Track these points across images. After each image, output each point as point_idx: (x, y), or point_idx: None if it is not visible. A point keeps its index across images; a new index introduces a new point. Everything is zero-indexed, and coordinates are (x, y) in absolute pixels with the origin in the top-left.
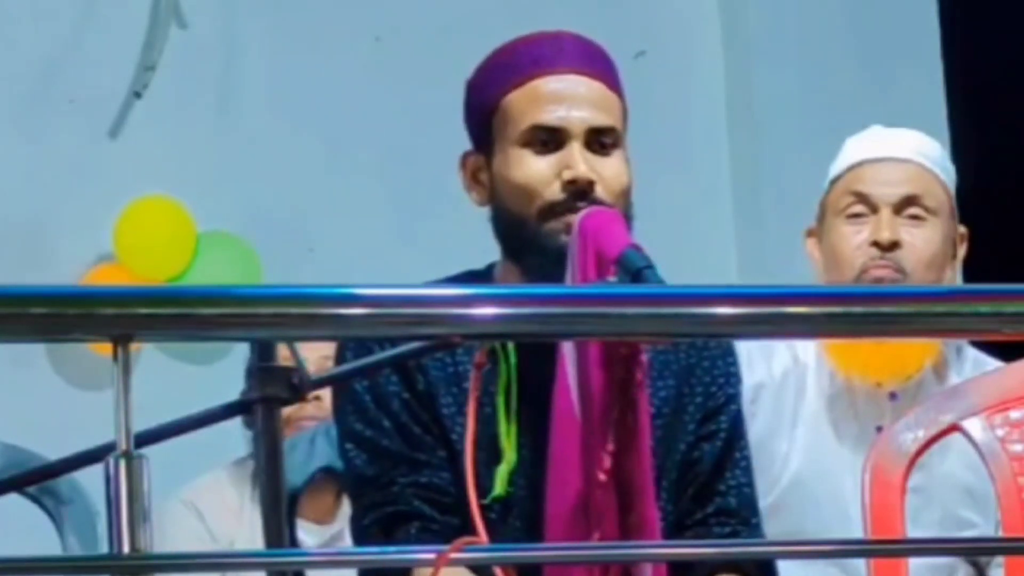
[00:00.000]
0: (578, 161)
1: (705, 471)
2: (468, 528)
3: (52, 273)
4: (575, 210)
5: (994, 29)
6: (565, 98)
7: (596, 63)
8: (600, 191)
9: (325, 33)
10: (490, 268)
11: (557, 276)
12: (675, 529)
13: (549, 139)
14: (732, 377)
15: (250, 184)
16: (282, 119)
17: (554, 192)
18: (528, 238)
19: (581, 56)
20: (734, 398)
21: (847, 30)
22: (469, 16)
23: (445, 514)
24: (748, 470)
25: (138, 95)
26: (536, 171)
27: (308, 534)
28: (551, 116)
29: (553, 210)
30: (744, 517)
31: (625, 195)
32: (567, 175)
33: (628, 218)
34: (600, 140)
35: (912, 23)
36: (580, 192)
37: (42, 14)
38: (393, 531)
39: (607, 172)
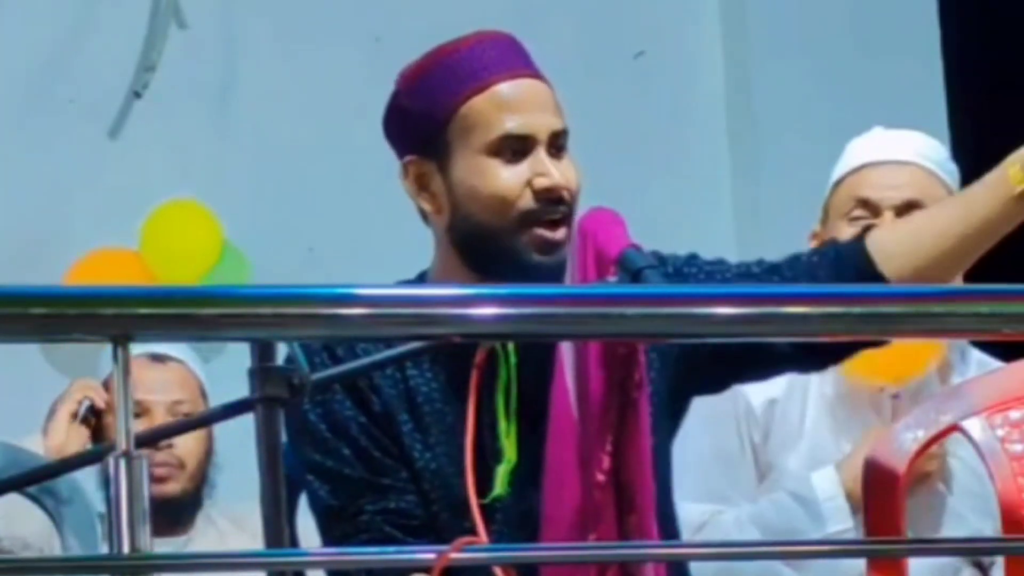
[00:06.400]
0: (550, 169)
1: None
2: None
3: (51, 272)
4: (549, 218)
5: (994, 28)
6: (527, 104)
7: (533, 63)
8: (567, 196)
9: (325, 33)
10: (422, 276)
11: None
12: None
13: (518, 147)
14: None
15: (250, 184)
16: (282, 119)
17: (527, 201)
18: (498, 251)
19: (525, 57)
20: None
21: (847, 30)
22: (469, 16)
23: (415, 536)
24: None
25: (138, 95)
26: (507, 181)
27: None
28: (520, 124)
29: (527, 220)
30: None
31: (578, 195)
32: (541, 183)
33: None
34: (557, 143)
35: (912, 23)
36: (556, 199)
37: (42, 14)
38: None
39: (568, 176)
